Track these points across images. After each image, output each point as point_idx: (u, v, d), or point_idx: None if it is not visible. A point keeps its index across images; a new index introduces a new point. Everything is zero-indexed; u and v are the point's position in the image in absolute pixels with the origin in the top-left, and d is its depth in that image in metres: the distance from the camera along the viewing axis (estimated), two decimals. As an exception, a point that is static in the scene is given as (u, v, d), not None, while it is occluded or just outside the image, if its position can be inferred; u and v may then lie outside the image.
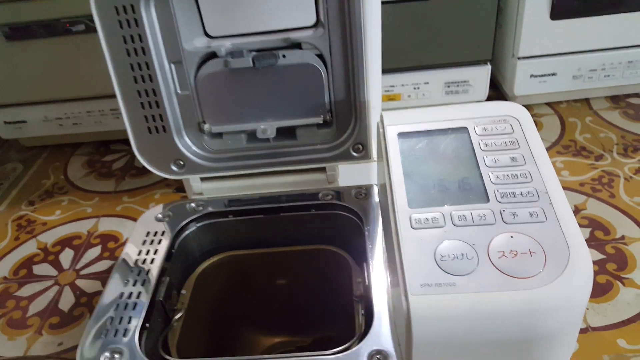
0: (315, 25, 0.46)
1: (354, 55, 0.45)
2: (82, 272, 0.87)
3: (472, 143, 0.39)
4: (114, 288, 0.43)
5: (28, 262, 0.90)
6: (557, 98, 1.17)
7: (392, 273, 0.40)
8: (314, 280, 0.51)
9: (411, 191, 0.36)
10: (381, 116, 0.42)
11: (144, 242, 0.48)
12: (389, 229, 0.37)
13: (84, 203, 1.02)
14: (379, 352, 0.36)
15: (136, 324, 0.40)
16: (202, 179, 0.52)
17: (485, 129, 0.40)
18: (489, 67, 1.05)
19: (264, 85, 0.48)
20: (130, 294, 0.42)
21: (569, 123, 1.12)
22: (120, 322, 0.40)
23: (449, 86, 1.06)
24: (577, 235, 0.33)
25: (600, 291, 0.76)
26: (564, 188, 1.00)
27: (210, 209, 0.51)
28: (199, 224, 0.50)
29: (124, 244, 0.92)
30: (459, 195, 0.36)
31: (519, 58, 1.05)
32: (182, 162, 0.51)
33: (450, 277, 0.32)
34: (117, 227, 0.95)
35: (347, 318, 0.44)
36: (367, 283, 0.42)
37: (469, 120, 0.41)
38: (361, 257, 0.45)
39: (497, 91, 1.19)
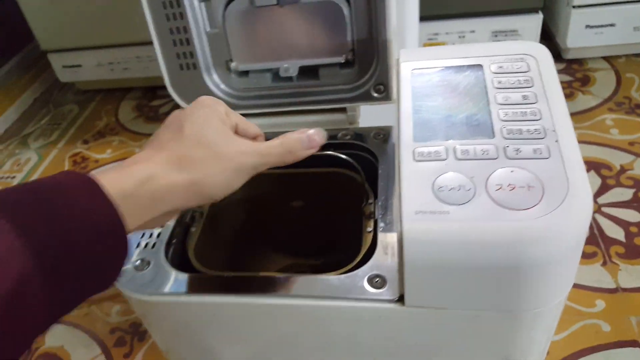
0: (339, -38, 0.46)
1: (376, -7, 0.46)
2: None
3: (485, 80, 0.39)
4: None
5: (82, 195, 0.98)
6: (615, 52, 1.10)
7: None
8: (328, 203, 0.53)
9: (418, 126, 0.37)
10: (399, 53, 0.43)
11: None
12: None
13: (132, 144, 1.09)
14: (378, 276, 0.38)
15: (163, 239, 0.44)
16: (230, 116, 0.55)
17: (500, 67, 0.40)
18: (540, 15, 1.00)
19: (288, 23, 0.49)
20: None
21: (625, 79, 1.05)
22: (150, 237, 0.44)
23: (496, 35, 1.02)
24: (579, 174, 0.33)
25: (636, 252, 0.74)
26: (611, 147, 0.96)
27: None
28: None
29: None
30: (464, 131, 0.36)
31: (573, 6, 0.99)
32: (210, 99, 0.53)
33: (445, 206, 0.33)
34: (162, 167, 1.01)
35: (357, 243, 0.46)
36: (376, 216, 0.43)
37: (485, 58, 0.41)
38: (374, 193, 0.46)
39: (549, 42, 1.13)
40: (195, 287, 0.40)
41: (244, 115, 0.54)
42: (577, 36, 1.03)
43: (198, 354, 0.46)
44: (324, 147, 0.52)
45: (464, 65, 0.41)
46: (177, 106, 1.27)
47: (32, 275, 0.24)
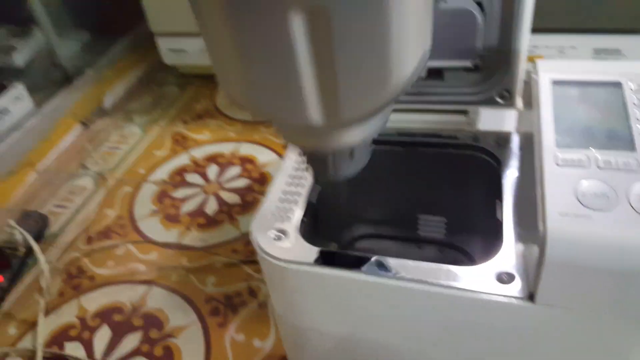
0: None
1: (513, 4, 0.48)
2: (225, 186, 1.00)
3: (624, 97, 0.41)
4: (279, 181, 0.52)
5: (182, 171, 1.06)
6: None
7: (526, 211, 0.44)
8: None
9: (559, 133, 0.40)
10: (535, 63, 0.45)
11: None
12: (532, 169, 0.41)
13: (228, 128, 1.16)
14: (506, 272, 0.40)
15: (298, 215, 0.48)
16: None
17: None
18: (645, 37, 0.98)
19: (423, 27, 0.53)
20: (292, 192, 0.51)
21: None
22: (284, 212, 0.49)
23: (598, 54, 1.00)
24: None
25: None
26: None
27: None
28: (346, 148, 0.58)
29: (259, 166, 1.03)
30: (605, 142, 0.38)
31: (683, 29, 0.96)
32: (338, 92, 0.58)
33: (588, 210, 0.35)
34: (254, 152, 1.07)
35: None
36: (500, 217, 0.46)
37: (623, 75, 0.42)
38: (496, 194, 0.49)
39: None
40: (324, 260, 0.44)
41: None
42: (683, 59, 1.00)
43: (311, 322, 0.50)
44: (445, 146, 0.55)
45: (602, 81, 0.43)
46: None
47: None
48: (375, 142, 0.57)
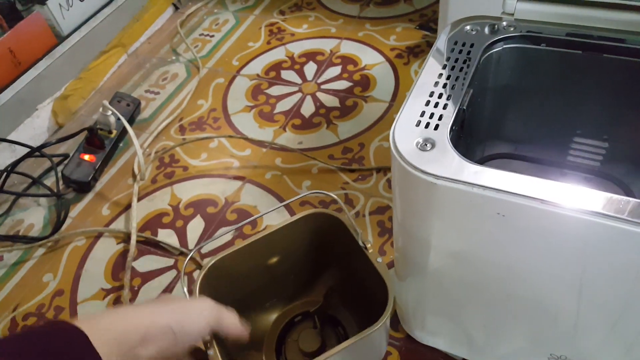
0: None
1: None
2: (323, 87, 0.92)
3: None
4: (425, 81, 0.43)
5: (277, 67, 0.98)
6: None
7: None
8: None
9: None
10: None
11: (453, 50, 0.46)
12: None
13: (328, 22, 1.05)
14: None
15: (447, 122, 0.40)
16: (519, -2, 0.47)
17: None
18: None
19: None
20: (440, 95, 0.42)
21: None
22: (430, 117, 0.41)
23: None
24: None
25: None
26: None
27: (522, 32, 0.47)
28: (506, 46, 0.47)
29: (362, 68, 0.94)
30: None
31: None
32: (504, -29, 0.46)
33: None
34: (357, 52, 0.97)
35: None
36: None
37: None
38: None
39: None
40: (480, 178, 0.36)
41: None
42: None
43: (445, 240, 0.43)
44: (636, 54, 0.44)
45: None
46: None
47: None
48: (538, 39, 0.47)
